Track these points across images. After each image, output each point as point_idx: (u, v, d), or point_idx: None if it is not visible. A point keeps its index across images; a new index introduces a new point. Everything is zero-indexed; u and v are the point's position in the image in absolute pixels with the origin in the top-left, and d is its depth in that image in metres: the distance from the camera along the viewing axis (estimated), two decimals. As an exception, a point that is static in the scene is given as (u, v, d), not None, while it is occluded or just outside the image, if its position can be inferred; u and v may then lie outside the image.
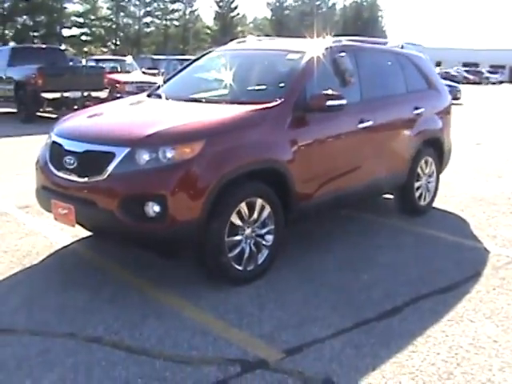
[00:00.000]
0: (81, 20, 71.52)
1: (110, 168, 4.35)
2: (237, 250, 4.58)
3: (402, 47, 7.11)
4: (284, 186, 4.87)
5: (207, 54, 6.76)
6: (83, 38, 72.80)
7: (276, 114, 4.94)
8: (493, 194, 8.21)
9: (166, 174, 4.27)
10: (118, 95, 17.01)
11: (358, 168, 5.81)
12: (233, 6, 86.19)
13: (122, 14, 76.95)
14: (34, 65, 16.13)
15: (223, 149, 4.46)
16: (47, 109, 16.73)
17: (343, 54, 5.68)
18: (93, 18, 72.84)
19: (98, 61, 23.05)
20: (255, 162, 4.71)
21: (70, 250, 5.51)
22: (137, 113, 5.59)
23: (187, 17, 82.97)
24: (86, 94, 16.54)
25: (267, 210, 4.73)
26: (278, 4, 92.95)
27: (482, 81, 66.65)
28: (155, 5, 79.74)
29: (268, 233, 4.80)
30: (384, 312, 4.26)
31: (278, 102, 4.98)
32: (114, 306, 4.27)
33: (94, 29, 73.53)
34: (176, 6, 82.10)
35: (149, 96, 6.12)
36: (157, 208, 4.21)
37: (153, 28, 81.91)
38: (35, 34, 65.84)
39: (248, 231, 4.65)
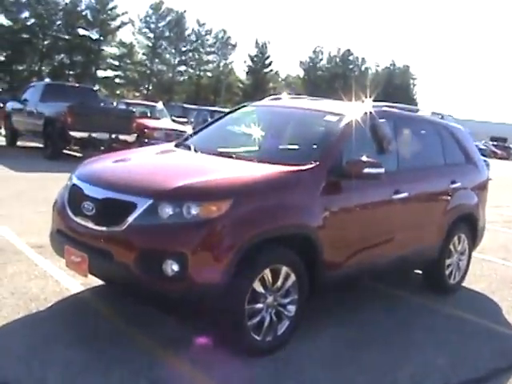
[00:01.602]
0: (116, 63, 73.29)
1: (130, 219, 4.11)
2: (256, 319, 4.26)
3: (442, 117, 6.89)
4: (312, 254, 4.57)
5: (242, 107, 6.57)
6: (117, 80, 74.57)
7: (310, 177, 4.69)
8: (524, 276, 7.84)
9: (189, 231, 4.01)
10: (146, 141, 16.95)
11: (390, 240, 5.52)
12: (267, 62, 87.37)
13: (156, 60, 78.47)
14: (65, 102, 16.15)
15: (251, 210, 4.20)
16: (74, 147, 16.75)
17: (383, 120, 5.46)
18: (128, 62, 74.57)
19: (128, 104, 23.07)
20: (284, 227, 4.44)
21: (80, 299, 5.24)
22: (163, 163, 5.35)
23: (221, 69, 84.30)
24: (113, 136, 16.41)
25: (292, 278, 4.43)
26: (311, 64, 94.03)
27: (509, 156, 66.41)
28: (190, 54, 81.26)
29: (291, 303, 4.48)
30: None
31: (313, 165, 4.73)
32: (121, 367, 3.95)
33: (128, 72, 75.25)
34: (211, 57, 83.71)
35: (177, 146, 5.90)
36: (176, 267, 3.93)
37: (186, 77, 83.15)
38: (71, 72, 67.44)
39: (270, 299, 4.34)
